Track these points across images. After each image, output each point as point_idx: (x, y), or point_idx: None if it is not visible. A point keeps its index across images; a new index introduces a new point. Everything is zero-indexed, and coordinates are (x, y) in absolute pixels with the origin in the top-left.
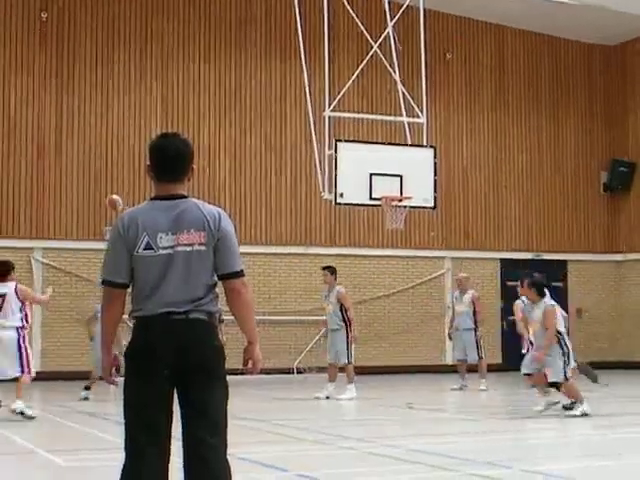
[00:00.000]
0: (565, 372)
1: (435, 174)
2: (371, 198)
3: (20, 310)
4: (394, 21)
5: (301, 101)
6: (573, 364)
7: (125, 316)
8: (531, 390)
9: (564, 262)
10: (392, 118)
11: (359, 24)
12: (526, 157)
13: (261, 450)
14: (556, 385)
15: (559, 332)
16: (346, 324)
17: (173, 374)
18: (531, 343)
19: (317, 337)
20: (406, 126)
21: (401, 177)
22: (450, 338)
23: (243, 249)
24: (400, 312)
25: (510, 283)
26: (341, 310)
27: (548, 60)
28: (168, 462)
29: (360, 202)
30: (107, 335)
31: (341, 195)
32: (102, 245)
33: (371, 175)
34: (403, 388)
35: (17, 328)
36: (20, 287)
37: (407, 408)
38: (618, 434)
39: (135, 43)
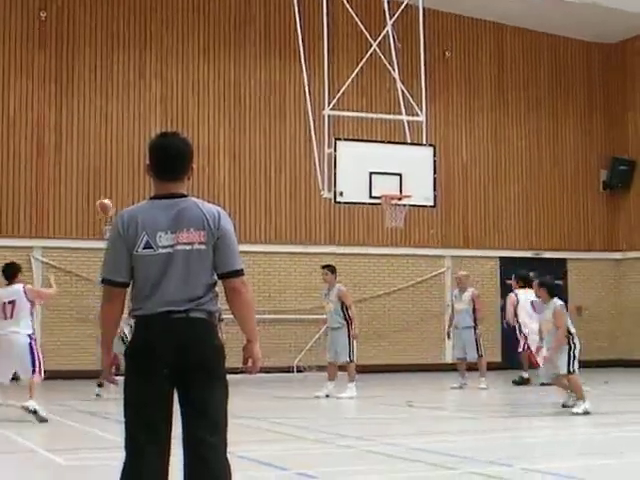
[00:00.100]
0: (569, 366)
1: (435, 172)
2: (371, 196)
3: (31, 314)
4: (393, 20)
5: (300, 100)
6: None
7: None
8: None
9: (564, 260)
10: (391, 117)
11: (358, 23)
12: (525, 155)
13: (260, 448)
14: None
15: (570, 332)
16: (347, 322)
17: (173, 373)
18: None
19: (317, 336)
20: (405, 124)
21: (400, 175)
22: (448, 337)
23: (243, 248)
24: (400, 310)
25: (509, 282)
26: (342, 308)
27: (547, 58)
28: (168, 461)
29: (360, 201)
30: (106, 334)
31: (341, 194)
32: (102, 244)
33: (371, 174)
34: (403, 387)
35: (29, 335)
36: (28, 287)
37: (407, 406)
38: (619, 432)
39: (134, 42)
